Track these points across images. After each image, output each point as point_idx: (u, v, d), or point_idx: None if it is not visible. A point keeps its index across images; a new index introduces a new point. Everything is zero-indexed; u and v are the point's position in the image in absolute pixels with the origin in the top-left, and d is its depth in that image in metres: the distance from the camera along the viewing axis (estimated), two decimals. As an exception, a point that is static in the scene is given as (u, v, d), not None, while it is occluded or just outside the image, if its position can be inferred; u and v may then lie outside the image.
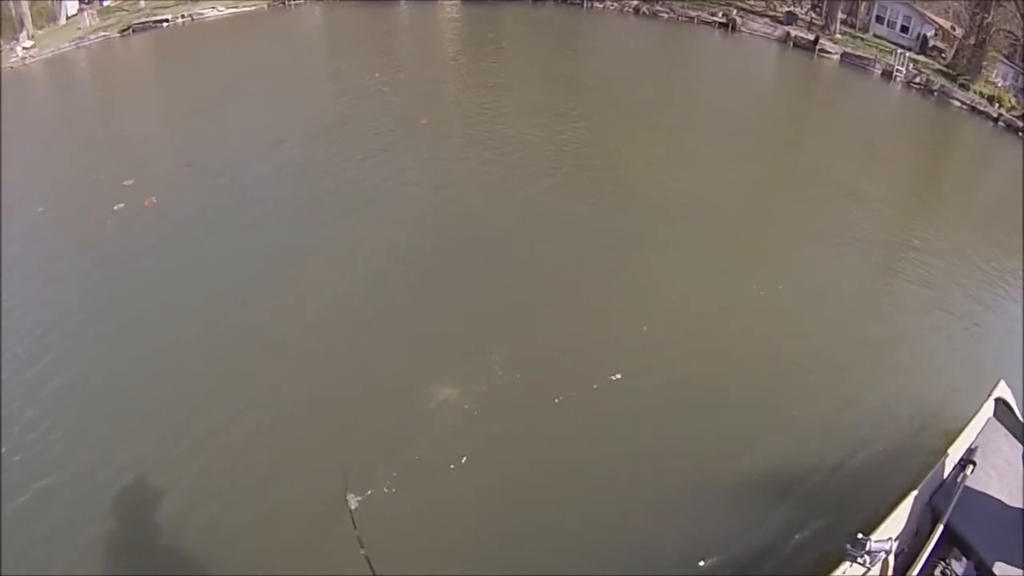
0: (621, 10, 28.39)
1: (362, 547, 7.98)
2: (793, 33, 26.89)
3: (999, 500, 6.77)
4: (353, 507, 8.55)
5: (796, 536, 7.88)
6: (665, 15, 28.11)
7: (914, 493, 6.64)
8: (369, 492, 8.64)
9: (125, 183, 18.24)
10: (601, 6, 28.46)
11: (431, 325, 11.21)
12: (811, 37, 26.43)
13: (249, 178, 17.25)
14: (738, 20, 27.82)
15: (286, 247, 14.17)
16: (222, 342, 11.42)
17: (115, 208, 17.25)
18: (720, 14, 28.30)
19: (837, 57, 25.64)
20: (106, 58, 26.95)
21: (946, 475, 7.16)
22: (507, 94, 20.25)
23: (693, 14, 28.17)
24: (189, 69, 24.46)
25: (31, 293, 14.14)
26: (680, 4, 28.58)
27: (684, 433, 8.99)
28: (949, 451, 7.23)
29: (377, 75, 21.76)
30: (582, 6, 28.48)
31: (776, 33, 27.15)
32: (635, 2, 28.55)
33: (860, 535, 5.92)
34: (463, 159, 16.42)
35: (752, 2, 30.09)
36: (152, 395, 10.35)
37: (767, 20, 28.21)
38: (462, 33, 26.38)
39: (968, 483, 6.83)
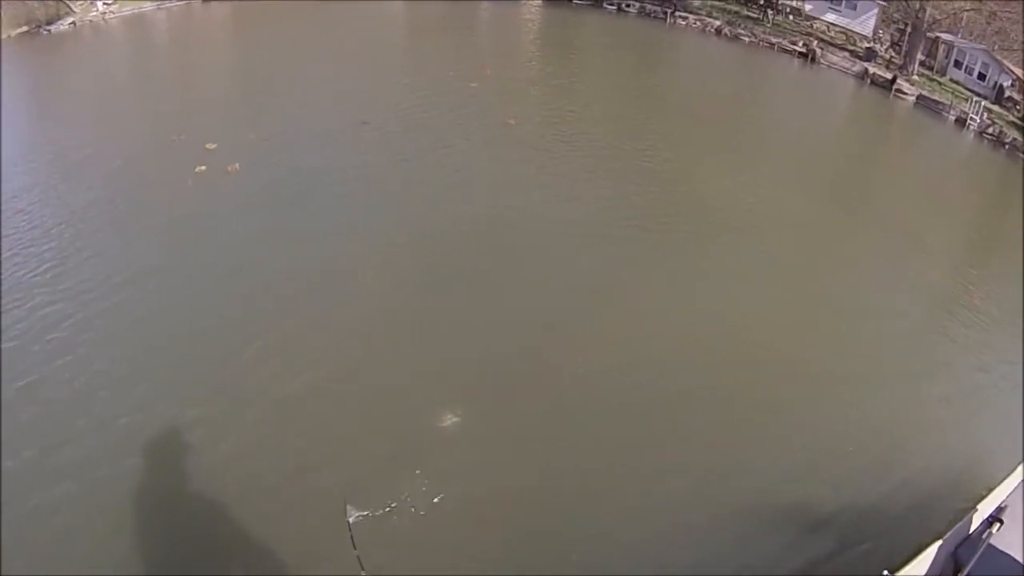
0: (703, 29, 29.04)
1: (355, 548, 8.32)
2: (871, 70, 27.26)
3: (1020, 562, 7.03)
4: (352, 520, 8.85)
5: (821, 569, 8.29)
6: (746, 39, 28.68)
7: (939, 542, 6.96)
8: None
9: (208, 146, 19.57)
10: (684, 23, 29.15)
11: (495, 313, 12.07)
12: (889, 76, 26.78)
13: (332, 156, 18.23)
14: (818, 51, 28.25)
15: (361, 228, 14.96)
16: (280, 309, 12.30)
17: (196, 170, 18.58)
18: (801, 43, 28.75)
19: (912, 99, 25.99)
20: (186, 22, 28.20)
21: (972, 529, 7.47)
22: (588, 101, 21.16)
23: (774, 40, 28.68)
24: (270, 43, 25.61)
25: (105, 243, 15.50)
26: (762, 29, 29.10)
27: (718, 456, 9.51)
28: (979, 506, 7.55)
29: (463, 69, 22.86)
30: (664, 20, 29.21)
31: (854, 68, 27.55)
32: (717, 22, 29.19)
33: (886, 573, 6.38)
34: (549, 162, 17.30)
35: (833, 34, 30.46)
36: (200, 349, 11.40)
37: (847, 54, 28.60)
38: (544, 35, 27.35)
39: (993, 540, 7.01)
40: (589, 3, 29.91)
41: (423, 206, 15.50)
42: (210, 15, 28.51)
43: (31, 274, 14.74)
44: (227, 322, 12.59)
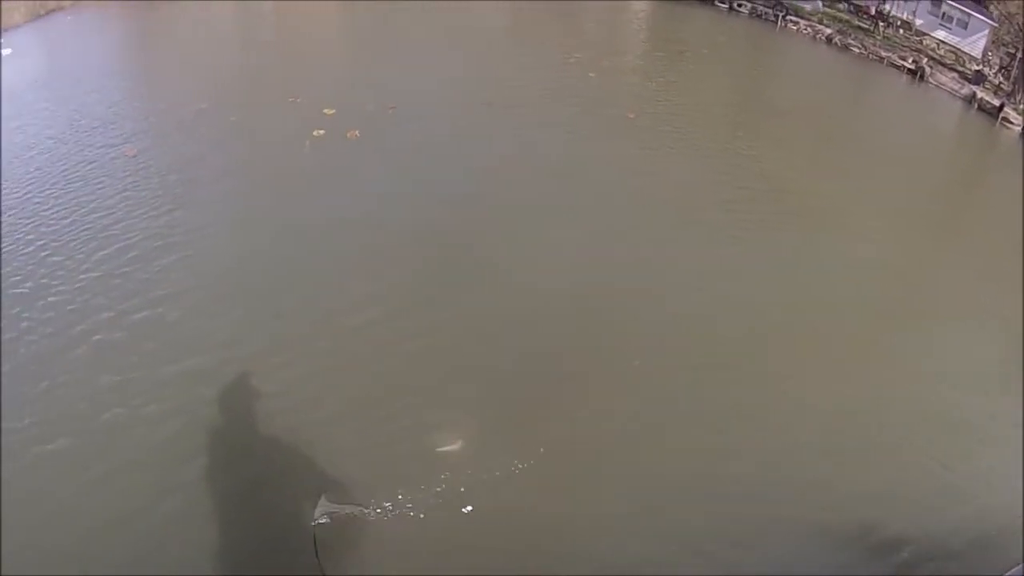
0: (813, 36, 29.24)
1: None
2: (979, 95, 27.19)
3: None
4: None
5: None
6: (856, 50, 28.81)
7: None
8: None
9: (326, 111, 20.81)
10: (795, 28, 29.36)
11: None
12: (996, 103, 26.71)
13: (452, 133, 19.23)
14: (927, 70, 28.24)
15: (479, 206, 15.87)
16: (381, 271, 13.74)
17: (315, 133, 19.85)
18: (910, 60, 28.74)
19: (1019, 130, 25.96)
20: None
21: None
22: (700, 99, 21.82)
23: (883, 55, 28.74)
24: (387, 20, 26.42)
25: (217, 191, 16.83)
26: (872, 42, 29.13)
27: (795, 470, 10.17)
28: None
29: (579, 56, 23.64)
30: (775, 24, 29.46)
31: (963, 91, 27.52)
32: (828, 31, 29.31)
33: None
34: (663, 156, 17.96)
35: (942, 53, 30.25)
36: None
37: (955, 75, 28.50)
38: (656, 31, 27.92)
39: None
40: (700, 0, 30.26)
41: (534, 185, 16.31)
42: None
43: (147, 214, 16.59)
44: (324, 275, 14.04)
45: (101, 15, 30.93)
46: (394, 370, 11.97)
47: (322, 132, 19.35)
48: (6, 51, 31.65)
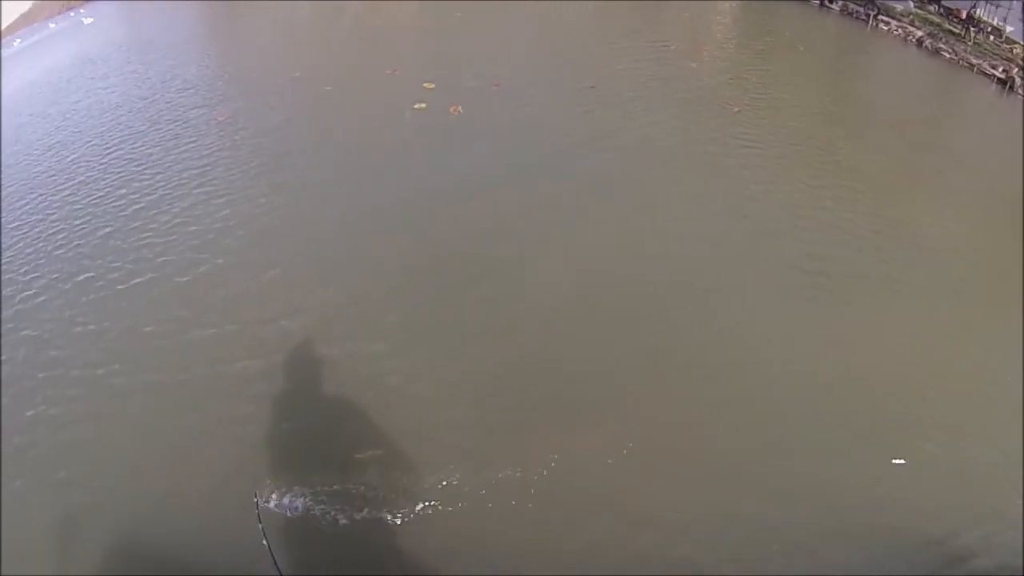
0: (904, 38, 28.68)
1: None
2: (1070, 109, 26.57)
3: None
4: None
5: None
6: (947, 54, 28.23)
7: None
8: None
9: (426, 85, 20.69)
10: (886, 28, 28.75)
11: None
12: (1088, 119, 26.09)
13: (560, 114, 19.11)
14: (1017, 80, 27.56)
15: (593, 190, 15.78)
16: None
17: (416, 106, 19.78)
18: (1000, 69, 28.06)
19: (1109, 147, 25.38)
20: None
21: None
22: (796, 97, 21.42)
23: (974, 61, 28.07)
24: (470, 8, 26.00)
25: (311, 158, 16.82)
26: (963, 47, 28.45)
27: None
28: None
29: (677, 46, 23.32)
30: (866, 23, 28.87)
31: (1053, 104, 26.86)
32: (919, 33, 28.65)
33: None
34: (772, 161, 17.70)
35: (1033, 62, 29.53)
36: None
37: (1045, 87, 27.82)
38: (747, 24, 27.59)
39: None
40: (789, -7, 29.71)
41: (658, 177, 16.19)
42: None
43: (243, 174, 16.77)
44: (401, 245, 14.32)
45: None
46: (506, 347, 11.95)
47: (423, 105, 19.35)
48: (88, 19, 31.80)
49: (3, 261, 17.67)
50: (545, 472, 10.10)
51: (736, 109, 19.91)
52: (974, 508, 9.94)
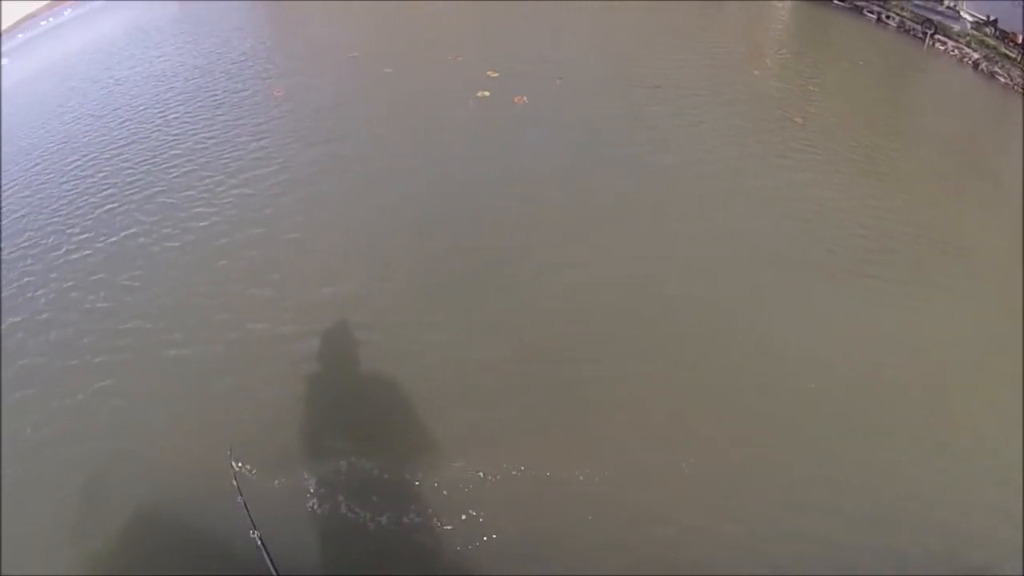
0: (960, 59, 28.39)
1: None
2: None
3: None
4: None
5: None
6: (1001, 79, 27.92)
7: None
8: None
9: (489, 73, 20.51)
10: (942, 48, 28.47)
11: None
12: None
13: (626, 110, 18.90)
14: (1071, 109, 27.28)
15: (658, 189, 15.52)
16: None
17: (479, 94, 19.64)
18: (1055, 96, 27.78)
19: None
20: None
21: None
22: (858, 113, 21.12)
23: (1029, 87, 27.77)
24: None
25: (371, 135, 16.77)
26: (1019, 72, 28.15)
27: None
28: None
29: (741, 52, 23.12)
30: (923, 41, 28.59)
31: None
32: (975, 55, 28.38)
33: None
34: (836, 176, 17.41)
35: (1087, 92, 29.23)
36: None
37: (1100, 118, 27.55)
38: (804, 35, 27.32)
39: None
40: (848, 7, 29.36)
41: (720, 185, 15.98)
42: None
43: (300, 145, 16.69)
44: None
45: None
46: (549, 331, 11.83)
47: (487, 93, 19.26)
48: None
49: (52, 217, 17.77)
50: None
51: (800, 119, 19.72)
52: (974, 507, 9.82)
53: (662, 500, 9.85)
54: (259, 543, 8.48)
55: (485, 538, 9.26)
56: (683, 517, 9.60)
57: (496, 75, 20.22)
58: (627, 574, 9.09)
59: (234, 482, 9.54)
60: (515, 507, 9.63)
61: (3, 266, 16.50)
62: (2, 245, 17.34)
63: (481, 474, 9.98)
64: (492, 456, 10.24)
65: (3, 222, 18.30)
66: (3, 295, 15.06)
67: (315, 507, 9.78)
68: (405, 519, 9.57)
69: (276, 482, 10.17)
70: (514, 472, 10.09)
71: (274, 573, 8.22)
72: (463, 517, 9.51)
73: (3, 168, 21.06)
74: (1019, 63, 29.35)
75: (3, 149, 21.89)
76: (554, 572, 9.08)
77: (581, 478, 10.04)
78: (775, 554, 9.22)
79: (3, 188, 19.95)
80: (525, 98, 18.87)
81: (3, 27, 36.88)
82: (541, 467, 10.18)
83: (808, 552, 9.25)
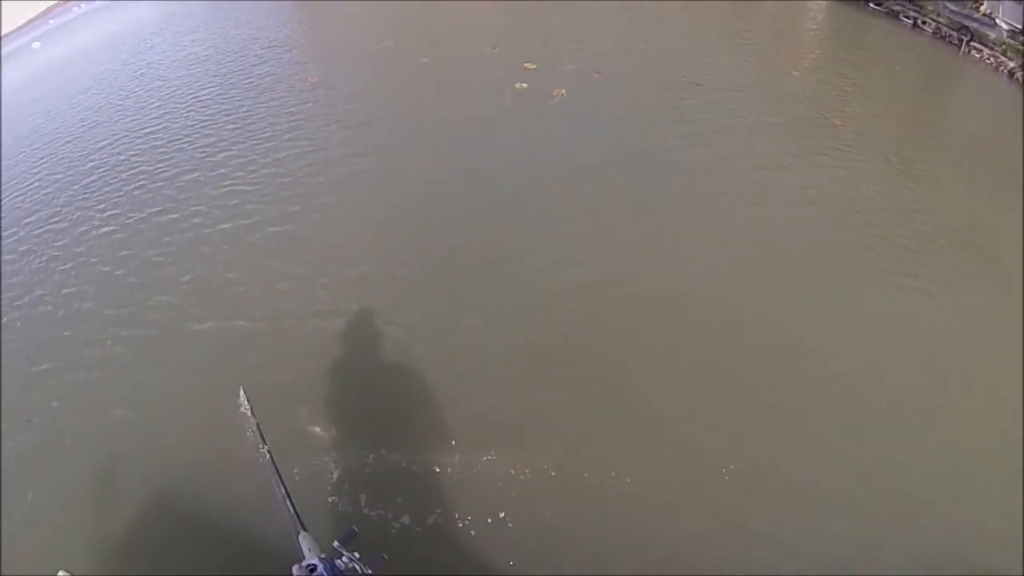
0: (996, 67, 27.91)
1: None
2: None
3: None
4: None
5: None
6: (1036, 88, 27.40)
7: None
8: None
9: (527, 65, 20.30)
10: (978, 56, 28.02)
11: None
12: None
13: (666, 106, 18.67)
14: (1109, 120, 26.74)
15: (694, 186, 15.20)
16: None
17: (517, 86, 19.40)
18: (1092, 107, 27.24)
19: None
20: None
21: None
22: (897, 119, 20.78)
23: (1066, 97, 27.26)
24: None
25: (404, 123, 16.64)
26: (1055, 83, 27.66)
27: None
28: None
29: (779, 52, 22.81)
30: (958, 48, 28.14)
31: None
32: (1011, 64, 27.89)
33: None
34: (876, 177, 17.04)
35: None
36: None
37: None
38: (840, 37, 26.99)
39: None
40: (884, 11, 28.99)
41: (759, 183, 15.70)
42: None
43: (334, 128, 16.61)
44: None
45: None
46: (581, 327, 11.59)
47: (525, 86, 19.11)
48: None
49: (81, 193, 17.78)
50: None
51: (838, 122, 19.40)
52: (975, 506, 9.53)
53: (697, 501, 9.49)
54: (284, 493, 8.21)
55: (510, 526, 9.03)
56: (714, 522, 9.25)
57: (533, 67, 20.09)
58: (670, 574, 8.73)
59: (262, 448, 9.29)
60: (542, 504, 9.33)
61: (31, 241, 16.51)
62: (31, 220, 17.36)
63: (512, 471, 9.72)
64: (523, 454, 9.97)
65: (31, 199, 18.33)
66: (33, 267, 15.05)
67: (336, 503, 9.53)
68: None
69: (295, 470, 9.88)
70: (547, 469, 9.79)
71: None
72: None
73: (32, 147, 21.15)
74: (1056, 73, 28.86)
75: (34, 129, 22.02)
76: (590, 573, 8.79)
77: (614, 474, 9.73)
78: (811, 554, 8.90)
79: (32, 167, 20.02)
80: (563, 91, 18.73)
81: (34, 13, 37.33)
82: (573, 467, 9.86)
83: (808, 552, 8.89)
